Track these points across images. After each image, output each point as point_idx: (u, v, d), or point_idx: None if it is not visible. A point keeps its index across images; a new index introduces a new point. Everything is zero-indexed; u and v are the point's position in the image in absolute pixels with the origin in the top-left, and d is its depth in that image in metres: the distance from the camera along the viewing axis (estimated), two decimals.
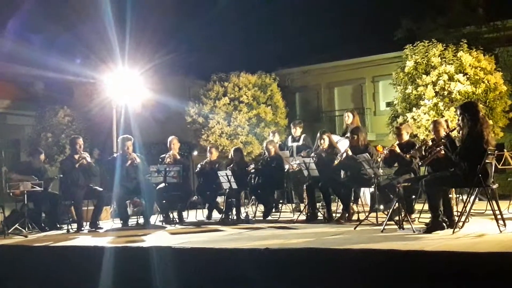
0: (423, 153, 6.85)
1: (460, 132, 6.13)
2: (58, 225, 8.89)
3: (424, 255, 4.69)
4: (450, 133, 6.27)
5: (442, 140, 6.29)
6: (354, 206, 8.28)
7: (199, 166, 9.79)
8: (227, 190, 8.77)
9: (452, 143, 6.07)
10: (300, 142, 9.62)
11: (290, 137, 9.96)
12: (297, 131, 9.76)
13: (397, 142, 7.49)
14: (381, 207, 7.38)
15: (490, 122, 9.24)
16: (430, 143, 6.76)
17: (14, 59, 13.32)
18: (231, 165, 9.34)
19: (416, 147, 7.03)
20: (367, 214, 7.32)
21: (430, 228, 6.08)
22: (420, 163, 7.29)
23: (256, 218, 8.96)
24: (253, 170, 9.26)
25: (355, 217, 7.94)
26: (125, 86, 11.71)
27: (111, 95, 11.92)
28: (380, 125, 16.05)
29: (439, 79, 10.39)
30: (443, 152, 6.35)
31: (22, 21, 13.93)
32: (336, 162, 7.82)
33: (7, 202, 8.93)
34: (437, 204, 6.12)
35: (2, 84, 14.34)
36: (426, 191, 6.18)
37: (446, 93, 10.36)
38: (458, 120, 6.08)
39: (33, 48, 13.75)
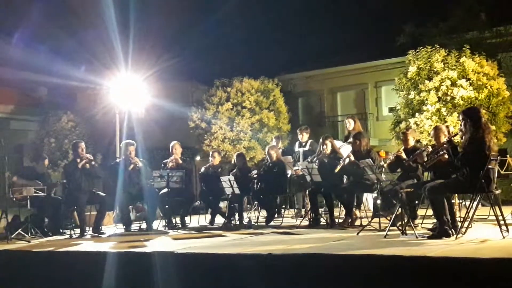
0: (425, 159, 6.86)
1: (463, 137, 6.13)
2: (61, 230, 8.89)
3: (427, 260, 4.68)
4: (452, 138, 6.26)
5: (444, 145, 6.29)
6: (357, 212, 8.27)
7: (202, 169, 9.81)
8: (230, 195, 8.77)
9: (454, 148, 6.07)
10: (307, 148, 9.62)
11: (297, 143, 9.97)
12: (304, 136, 9.76)
13: (403, 147, 7.50)
14: (380, 209, 7.37)
15: (493, 127, 9.23)
16: (430, 149, 6.76)
17: (17, 65, 13.39)
18: (234, 170, 9.36)
19: (417, 152, 7.04)
20: (369, 219, 7.30)
21: (436, 235, 6.05)
22: (423, 170, 7.29)
23: (258, 223, 8.96)
24: (255, 175, 9.26)
25: (357, 222, 7.94)
26: (128, 91, 11.76)
27: (114, 100, 11.97)
28: (383, 131, 16.05)
29: (441, 84, 10.40)
30: (446, 156, 6.35)
31: (27, 28, 14.00)
32: (337, 168, 7.82)
33: (10, 207, 8.94)
34: (442, 211, 6.09)
35: (6, 90, 14.40)
36: (429, 197, 6.17)
37: (448, 98, 10.36)
38: (461, 125, 6.09)
39: (37, 54, 13.82)
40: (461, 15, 15.87)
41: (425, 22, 16.50)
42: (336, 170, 7.82)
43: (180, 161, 9.34)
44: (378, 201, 7.35)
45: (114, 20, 12.16)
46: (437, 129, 7.01)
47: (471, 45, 11.32)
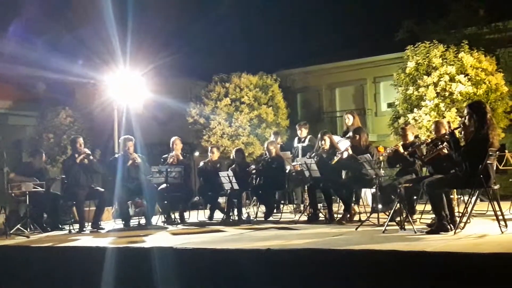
0: (424, 152, 6.86)
1: (463, 132, 6.13)
2: (60, 226, 8.91)
3: (426, 256, 4.69)
4: (454, 130, 6.22)
5: (446, 137, 6.26)
6: (356, 207, 8.28)
7: (201, 163, 9.81)
8: (229, 191, 8.78)
9: (456, 142, 6.04)
10: (306, 143, 9.63)
11: (296, 138, 9.98)
12: (303, 132, 9.78)
13: (402, 142, 7.51)
14: (380, 206, 7.38)
15: None
16: (429, 141, 6.77)
17: (16, 60, 13.33)
18: (233, 166, 9.36)
19: (415, 145, 7.04)
20: (368, 214, 7.32)
21: (434, 230, 6.07)
22: (421, 164, 7.30)
23: (257, 218, 8.97)
24: (254, 170, 9.27)
25: (356, 217, 7.95)
26: (127, 87, 11.74)
27: (112, 96, 11.95)
28: (381, 126, 16.06)
29: (440, 80, 10.40)
30: (445, 150, 6.35)
31: (25, 23, 13.96)
32: (334, 160, 7.85)
33: (9, 202, 8.94)
34: (440, 207, 6.10)
35: (4, 85, 14.35)
36: (427, 192, 6.18)
37: (447, 94, 10.37)
38: (464, 118, 6.05)
39: (35, 49, 13.77)
40: (459, 11, 15.86)
41: (423, 17, 16.50)
42: (333, 162, 7.85)
43: (181, 157, 9.34)
44: (379, 205, 7.36)
45: (113, 16, 12.13)
46: (438, 123, 7.03)
47: (469, 40, 11.32)
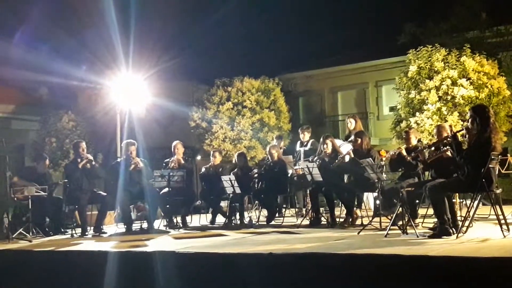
0: (426, 157, 6.86)
1: (466, 135, 6.12)
2: (62, 230, 8.91)
3: (428, 260, 4.68)
4: (456, 133, 6.22)
5: (448, 140, 6.26)
6: (358, 211, 8.28)
7: (203, 169, 9.82)
8: (231, 195, 8.78)
9: (458, 145, 6.03)
10: (308, 147, 9.64)
11: (298, 142, 9.99)
12: (305, 136, 9.79)
13: (405, 146, 7.51)
14: (380, 207, 7.38)
15: None
16: (431, 144, 6.77)
17: (18, 65, 13.39)
18: (235, 170, 9.37)
19: (418, 150, 7.04)
20: (370, 218, 7.31)
21: (436, 234, 6.06)
22: (423, 167, 7.29)
23: (259, 222, 8.97)
24: (256, 174, 9.28)
25: (358, 221, 7.95)
26: (129, 91, 11.78)
27: (115, 100, 11.99)
28: (383, 130, 16.05)
29: (442, 83, 10.40)
30: (449, 153, 6.34)
31: (28, 28, 14.01)
32: (336, 162, 7.86)
33: (11, 206, 8.95)
34: (443, 211, 6.09)
35: (7, 89, 14.41)
36: (429, 196, 6.17)
37: (449, 97, 10.36)
38: (468, 121, 6.05)
39: (38, 54, 13.83)
40: (461, 14, 15.86)
41: (425, 21, 16.50)
42: (333, 165, 7.85)
43: (182, 161, 9.34)
44: (377, 202, 7.36)
45: (115, 20, 12.18)
46: (440, 127, 7.03)
47: (471, 44, 11.31)
